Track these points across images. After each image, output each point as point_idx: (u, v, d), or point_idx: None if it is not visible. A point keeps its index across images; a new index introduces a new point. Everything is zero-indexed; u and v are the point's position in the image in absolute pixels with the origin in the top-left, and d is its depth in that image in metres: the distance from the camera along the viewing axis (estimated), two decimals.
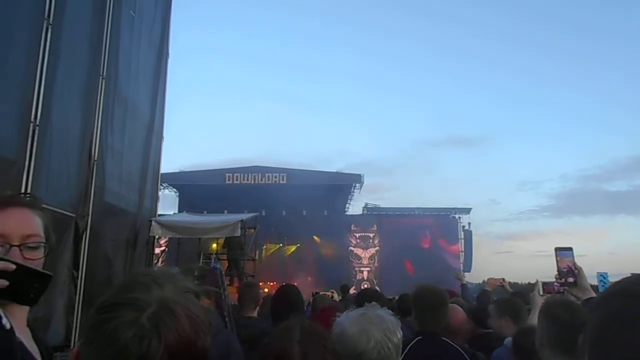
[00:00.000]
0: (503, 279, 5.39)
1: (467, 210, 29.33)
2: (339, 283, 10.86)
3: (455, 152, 67.69)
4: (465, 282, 6.31)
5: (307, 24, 76.17)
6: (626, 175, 63.53)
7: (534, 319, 2.59)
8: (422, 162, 63.99)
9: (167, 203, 26.37)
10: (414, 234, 28.28)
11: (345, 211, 30.63)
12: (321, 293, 6.38)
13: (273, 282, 20.70)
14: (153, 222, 9.67)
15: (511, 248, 56.07)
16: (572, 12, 64.27)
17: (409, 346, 2.50)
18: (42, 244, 1.26)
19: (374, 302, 1.72)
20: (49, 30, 5.72)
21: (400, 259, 27.69)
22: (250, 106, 76.29)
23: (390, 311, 1.67)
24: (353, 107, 67.79)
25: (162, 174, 11.13)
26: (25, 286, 1.08)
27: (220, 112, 78.27)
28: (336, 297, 5.87)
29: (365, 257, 28.46)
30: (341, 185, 28.55)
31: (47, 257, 1.26)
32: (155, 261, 11.80)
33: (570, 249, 2.51)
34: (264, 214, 21.63)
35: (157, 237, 10.55)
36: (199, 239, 12.96)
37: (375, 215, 29.54)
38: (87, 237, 6.67)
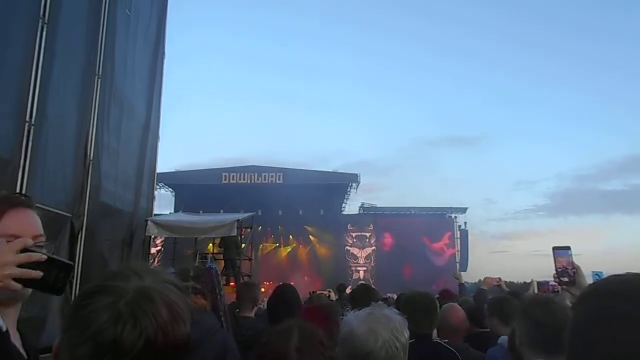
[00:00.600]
0: (500, 279, 5.41)
1: (464, 210, 29.44)
2: (335, 283, 10.89)
3: (452, 152, 67.87)
4: (463, 282, 6.34)
5: (305, 23, 76.19)
6: (622, 174, 63.88)
7: None
8: (418, 162, 64.20)
9: (164, 203, 26.31)
10: (411, 233, 28.34)
11: (342, 211, 30.65)
12: (318, 293, 6.37)
13: (269, 282, 20.70)
14: (149, 222, 9.65)
15: (507, 248, 56.26)
16: (569, 12, 64.55)
17: None
18: (46, 244, 1.29)
19: (380, 302, 1.73)
20: (45, 29, 5.69)
21: (397, 259, 27.75)
22: (246, 106, 76.22)
23: (397, 311, 1.68)
24: (350, 106, 68.01)
25: (158, 173, 11.10)
26: (53, 277, 1.13)
27: (217, 112, 78.19)
28: (333, 296, 5.86)
29: (362, 256, 28.51)
30: (338, 185, 28.57)
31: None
32: (152, 261, 11.78)
33: (568, 248, 2.52)
34: (260, 214, 21.61)
35: (153, 237, 10.53)
36: (196, 239, 12.95)
37: (371, 215, 29.59)
38: (83, 237, 6.64)
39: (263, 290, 15.59)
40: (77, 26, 6.86)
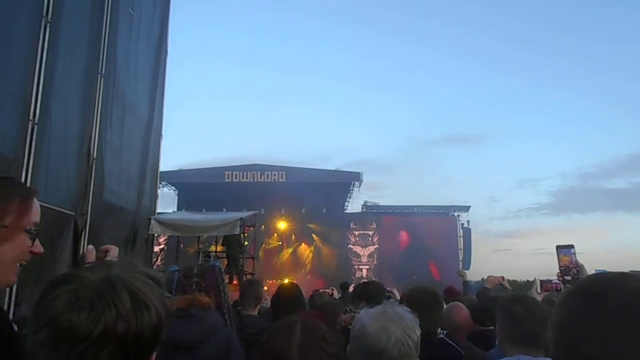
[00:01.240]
0: (502, 277, 5.40)
1: (466, 208, 29.41)
2: (338, 281, 10.87)
3: (455, 150, 67.71)
4: (467, 280, 6.34)
5: (307, 22, 76.01)
6: (625, 173, 63.55)
7: None
8: (421, 160, 64.00)
9: (166, 201, 26.43)
10: (413, 231, 28.33)
11: (345, 209, 30.66)
12: (321, 291, 6.38)
13: (272, 281, 20.74)
14: (152, 220, 9.67)
15: (510, 246, 56.06)
16: (570, 12, 64.23)
17: None
18: None
19: (392, 299, 1.74)
20: (48, 28, 5.70)
21: (399, 257, 27.76)
22: (248, 104, 76.25)
23: (408, 308, 1.68)
24: (352, 105, 67.87)
25: (161, 172, 11.12)
26: None
27: (219, 110, 78.15)
28: (336, 294, 5.87)
29: (364, 255, 28.52)
30: (340, 183, 28.58)
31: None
32: (155, 259, 11.81)
33: (571, 246, 2.52)
34: (263, 212, 21.64)
35: (156, 235, 10.55)
36: (198, 237, 12.97)
37: (374, 213, 29.59)
38: (87, 235, 6.66)
39: (265, 288, 15.62)
40: (80, 25, 6.87)
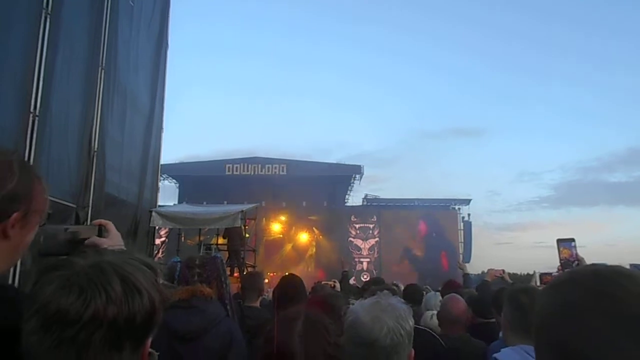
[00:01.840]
0: (503, 270, 5.41)
1: (467, 202, 29.40)
2: (338, 274, 10.90)
3: (455, 143, 67.44)
4: (467, 272, 6.36)
5: (307, 16, 75.66)
6: (625, 166, 63.36)
7: None
8: (422, 154, 63.90)
9: (167, 194, 26.44)
10: (414, 225, 28.38)
11: (345, 202, 30.68)
12: (322, 283, 6.41)
13: (273, 273, 20.81)
14: (153, 213, 9.69)
15: (510, 239, 56.13)
16: (572, 6, 63.92)
17: None
18: None
19: (385, 291, 1.76)
20: (48, 20, 5.68)
21: (400, 250, 27.83)
22: (249, 98, 76.10)
23: (402, 299, 1.70)
24: (353, 98, 67.51)
25: (162, 165, 11.13)
26: None
27: (220, 104, 77.98)
28: (338, 286, 5.89)
29: (365, 248, 28.58)
30: (341, 176, 28.57)
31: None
32: (156, 252, 11.85)
33: (571, 240, 2.52)
34: (264, 204, 21.67)
35: (157, 228, 10.58)
36: (200, 230, 13.00)
37: (375, 207, 29.60)
38: None
39: (266, 281, 15.68)
40: (80, 17, 6.85)
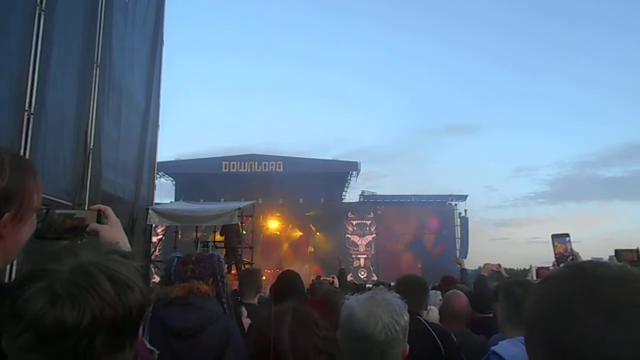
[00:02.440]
0: (499, 265, 5.43)
1: (464, 197, 29.45)
2: (336, 270, 10.91)
3: (452, 140, 67.54)
4: (464, 268, 6.38)
5: (304, 14, 75.39)
6: (621, 161, 63.70)
7: None
8: (418, 150, 63.82)
9: (164, 192, 26.29)
10: (411, 221, 28.43)
11: (342, 199, 30.67)
12: (321, 279, 6.42)
13: (270, 270, 20.82)
14: (150, 211, 9.67)
15: (507, 234, 56.37)
16: (568, 3, 63.94)
17: None
18: None
19: (381, 286, 1.77)
20: (42, 17, 5.65)
21: (397, 246, 27.89)
22: (246, 94, 75.78)
23: (397, 294, 1.71)
24: (349, 95, 67.67)
25: (158, 162, 11.10)
26: None
27: (216, 101, 77.71)
28: (336, 282, 5.90)
29: (362, 244, 28.60)
30: (338, 172, 28.56)
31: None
32: (153, 250, 11.84)
33: (566, 235, 2.54)
34: (260, 202, 21.64)
35: (154, 225, 10.56)
36: (197, 227, 12.98)
37: (372, 203, 29.62)
38: None
39: (264, 277, 15.66)
40: (75, 14, 6.81)
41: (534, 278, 3.83)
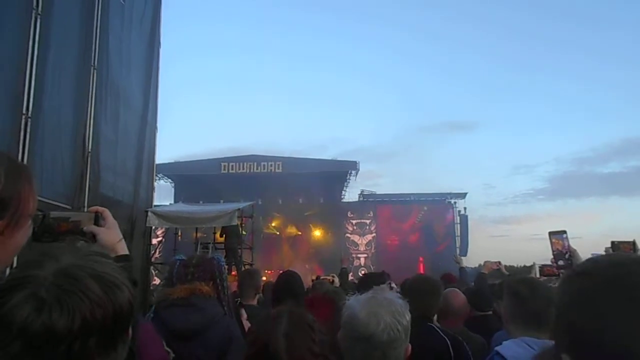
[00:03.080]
0: (499, 262, 5.44)
1: (463, 195, 29.46)
2: (336, 270, 10.91)
3: (450, 138, 67.82)
4: (463, 266, 6.38)
5: (301, 14, 75.43)
6: (620, 157, 63.82)
7: None
8: (417, 148, 63.89)
9: (163, 194, 26.26)
10: (411, 220, 28.45)
11: (342, 198, 30.67)
12: (322, 278, 6.41)
13: (270, 271, 20.80)
14: (149, 213, 9.64)
15: (506, 232, 56.38)
16: (565, 1, 63.99)
17: None
18: None
19: (382, 286, 1.76)
20: (38, 20, 5.63)
21: (397, 245, 27.90)
22: (244, 95, 75.89)
23: (399, 294, 1.70)
24: (346, 94, 67.60)
25: (157, 164, 11.07)
26: None
27: (214, 102, 77.72)
28: (337, 281, 5.89)
29: (362, 243, 28.62)
30: (337, 172, 28.54)
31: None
32: (153, 252, 11.82)
33: (563, 232, 2.53)
34: (260, 202, 21.64)
35: (154, 227, 10.54)
36: (196, 229, 12.96)
37: (371, 202, 29.63)
38: None
39: (264, 278, 15.66)
40: (71, 16, 6.79)
41: (537, 275, 3.83)
